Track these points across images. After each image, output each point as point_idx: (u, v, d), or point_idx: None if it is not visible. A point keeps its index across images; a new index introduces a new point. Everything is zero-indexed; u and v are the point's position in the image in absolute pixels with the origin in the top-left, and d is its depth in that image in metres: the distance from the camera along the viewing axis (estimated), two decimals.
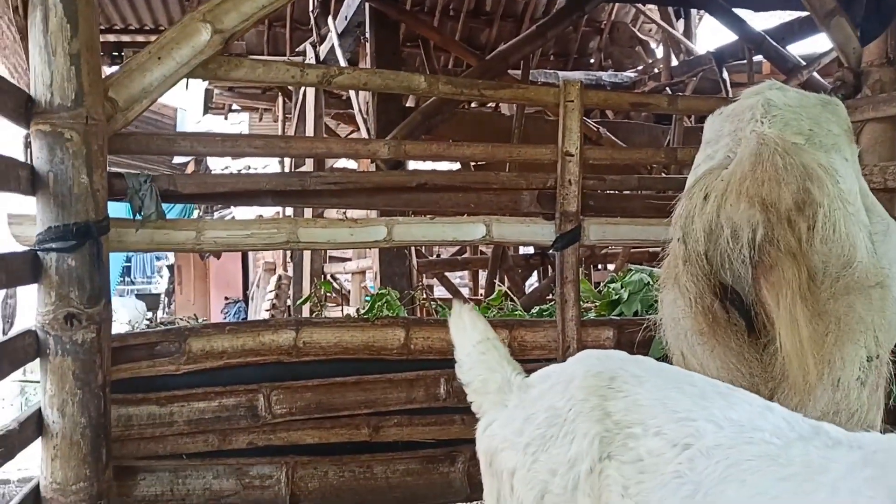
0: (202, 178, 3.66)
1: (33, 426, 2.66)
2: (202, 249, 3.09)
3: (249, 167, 13.33)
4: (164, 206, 2.98)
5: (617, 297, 3.79)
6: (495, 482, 1.74)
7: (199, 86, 11.06)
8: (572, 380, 1.64)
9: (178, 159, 13.73)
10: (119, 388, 2.95)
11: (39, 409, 2.71)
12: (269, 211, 9.45)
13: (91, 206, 2.65)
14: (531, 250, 7.94)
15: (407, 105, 7.41)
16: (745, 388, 1.56)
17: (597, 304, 4.06)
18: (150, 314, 15.95)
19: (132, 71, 2.86)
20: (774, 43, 6.29)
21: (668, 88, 8.30)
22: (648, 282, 3.69)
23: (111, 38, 8.70)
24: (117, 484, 2.93)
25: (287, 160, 9.22)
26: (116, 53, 8.89)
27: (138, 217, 2.93)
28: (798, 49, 6.82)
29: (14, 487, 5.25)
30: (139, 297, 16.90)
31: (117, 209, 2.88)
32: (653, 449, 1.43)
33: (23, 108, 2.57)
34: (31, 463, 4.69)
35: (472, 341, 1.98)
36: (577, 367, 1.70)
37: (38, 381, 2.82)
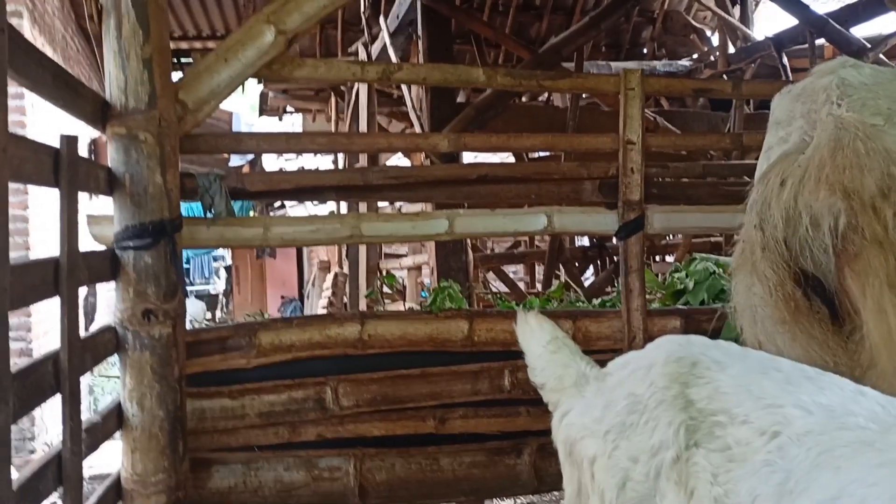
0: (268, 175, 3.75)
1: (114, 419, 2.76)
2: (269, 245, 3.16)
3: (303, 168, 13.54)
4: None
5: (682, 286, 3.73)
6: (575, 471, 1.73)
7: (253, 90, 11.28)
8: (652, 366, 1.61)
9: (233, 162, 14.03)
10: (193, 382, 3.03)
11: (119, 403, 2.81)
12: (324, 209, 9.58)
13: (165, 205, 2.73)
14: (587, 242, 7.88)
15: (458, 101, 7.42)
16: None
17: (659, 294, 4.00)
18: (209, 314, 16.32)
19: (200, 73, 2.94)
20: (837, 26, 6.10)
21: (724, 76, 8.12)
22: (714, 270, 3.61)
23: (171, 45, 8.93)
24: (193, 476, 3.01)
25: (341, 158, 9.34)
26: (176, 61, 9.13)
27: (209, 215, 3.01)
28: (861, 31, 6.61)
29: (87, 485, 5.40)
30: (198, 297, 17.28)
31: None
32: (741, 438, 1.40)
33: (99, 112, 2.67)
34: (102, 461, 4.84)
35: (541, 342, 1.97)
36: (657, 352, 1.67)
37: (115, 377, 2.92)
